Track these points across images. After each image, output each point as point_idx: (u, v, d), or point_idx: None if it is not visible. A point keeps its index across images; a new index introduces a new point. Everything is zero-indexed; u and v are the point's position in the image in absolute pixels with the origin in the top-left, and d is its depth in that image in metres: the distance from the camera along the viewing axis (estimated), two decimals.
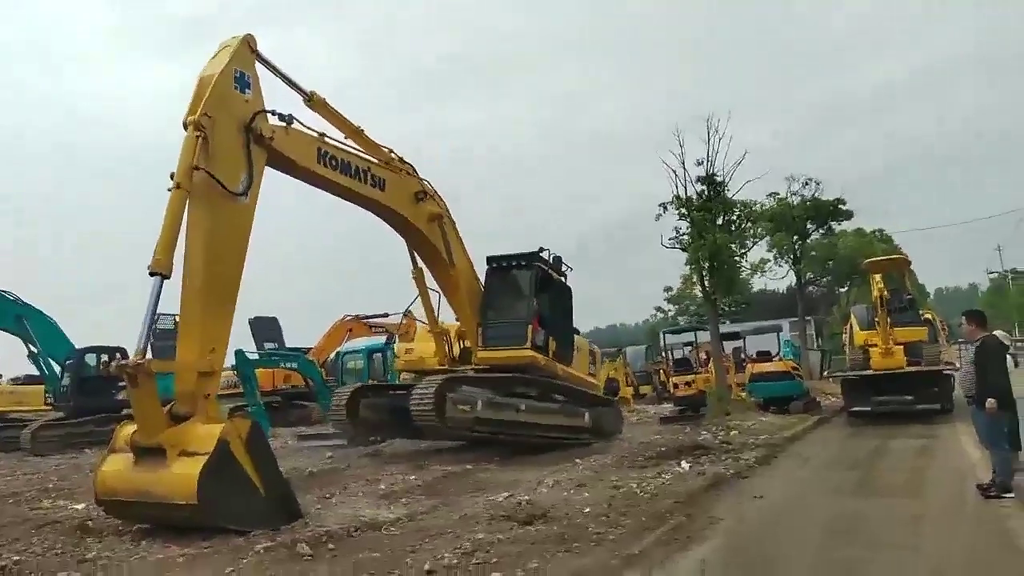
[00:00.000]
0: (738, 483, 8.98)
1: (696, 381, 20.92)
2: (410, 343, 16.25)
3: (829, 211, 31.70)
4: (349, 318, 27.08)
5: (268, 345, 25.77)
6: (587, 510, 7.10)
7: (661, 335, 33.20)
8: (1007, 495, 7.31)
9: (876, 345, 16.70)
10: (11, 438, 19.92)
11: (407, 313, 28.26)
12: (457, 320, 13.91)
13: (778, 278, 36.50)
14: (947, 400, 16.29)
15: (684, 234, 21.48)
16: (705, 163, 20.66)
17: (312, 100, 9.81)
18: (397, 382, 16.46)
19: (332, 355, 25.95)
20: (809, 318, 39.30)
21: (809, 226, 32.57)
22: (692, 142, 20.69)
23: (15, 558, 6.22)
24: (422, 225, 12.04)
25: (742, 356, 22.79)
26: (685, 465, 9.78)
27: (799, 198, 31.49)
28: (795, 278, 35.48)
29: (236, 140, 8.03)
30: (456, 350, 13.98)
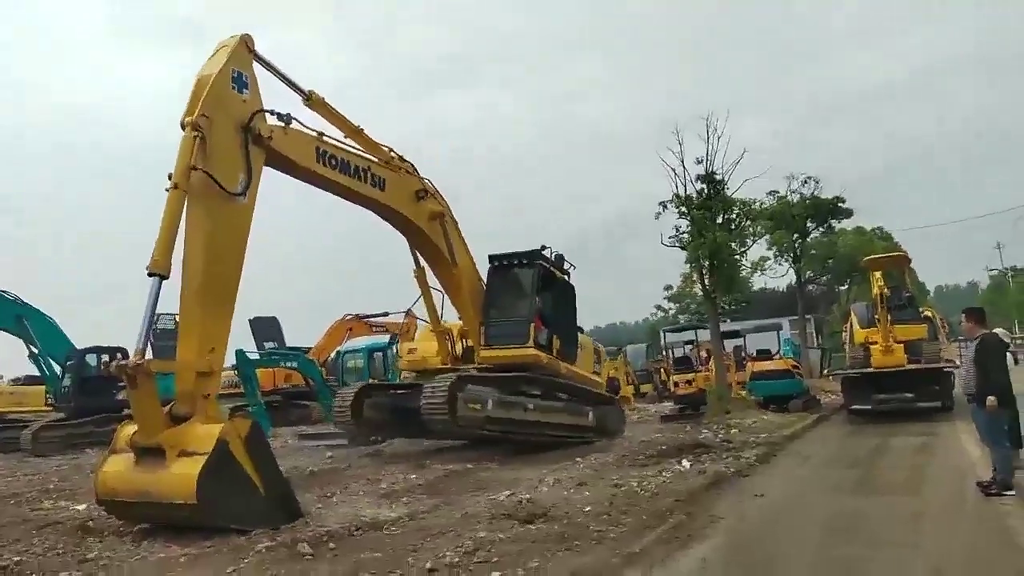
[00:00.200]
0: (739, 481, 8.98)
1: (696, 379, 20.92)
2: (411, 343, 16.25)
3: (829, 209, 31.71)
4: (349, 317, 27.12)
5: (268, 345, 25.81)
6: (588, 508, 7.10)
7: (661, 333, 33.25)
8: (1008, 493, 7.31)
9: (876, 343, 16.68)
10: (12, 439, 19.97)
11: (408, 312, 28.46)
12: (460, 319, 13.90)
13: (778, 276, 36.56)
14: (947, 398, 16.28)
15: (684, 233, 21.49)
16: (705, 162, 20.66)
17: (311, 99, 9.80)
18: (397, 381, 16.47)
19: (332, 354, 25.98)
20: (809, 316, 39.29)
21: (809, 224, 32.57)
22: (691, 141, 20.73)
23: (16, 558, 6.23)
24: (423, 224, 12.04)
25: (742, 354, 22.80)
26: (686, 463, 9.78)
27: (799, 196, 31.50)
28: (795, 276, 35.51)
29: (234, 140, 8.03)
30: (459, 349, 13.96)
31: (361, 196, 10.79)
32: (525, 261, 13.26)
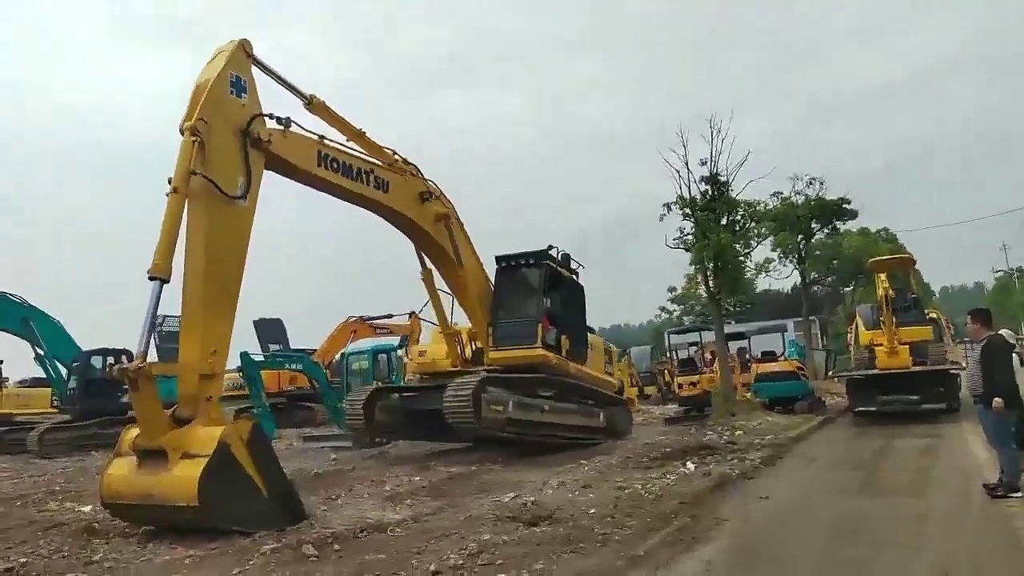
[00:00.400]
0: (743, 484, 8.96)
1: (701, 381, 20.88)
2: (421, 346, 16.18)
3: (833, 210, 31.60)
4: (353, 320, 27.14)
5: (273, 347, 25.89)
6: (592, 511, 7.09)
7: (666, 335, 33.24)
8: (1014, 495, 7.28)
9: (881, 344, 16.65)
10: (18, 440, 20.03)
11: (412, 314, 28.49)
12: (469, 321, 13.86)
13: (783, 278, 36.48)
14: (953, 399, 16.23)
15: (688, 234, 21.45)
16: (709, 163, 20.62)
17: (312, 103, 9.82)
18: (402, 383, 16.47)
19: (337, 356, 26.01)
20: (814, 318, 39.20)
21: (813, 226, 32.47)
22: (695, 142, 20.66)
23: (22, 560, 6.26)
24: (428, 226, 12.03)
25: (747, 356, 22.76)
26: (690, 466, 9.76)
27: (803, 197, 31.42)
28: (800, 278, 35.41)
29: (233, 144, 8.07)
30: (468, 352, 13.91)
31: (364, 199, 10.80)
32: (532, 261, 13.25)
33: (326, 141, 9.91)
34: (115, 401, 19.31)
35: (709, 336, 23.83)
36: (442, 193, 12.40)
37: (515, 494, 8.26)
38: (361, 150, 10.72)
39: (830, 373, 29.58)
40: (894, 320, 16.57)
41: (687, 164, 20.49)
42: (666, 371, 28.92)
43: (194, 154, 7.44)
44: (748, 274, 28.21)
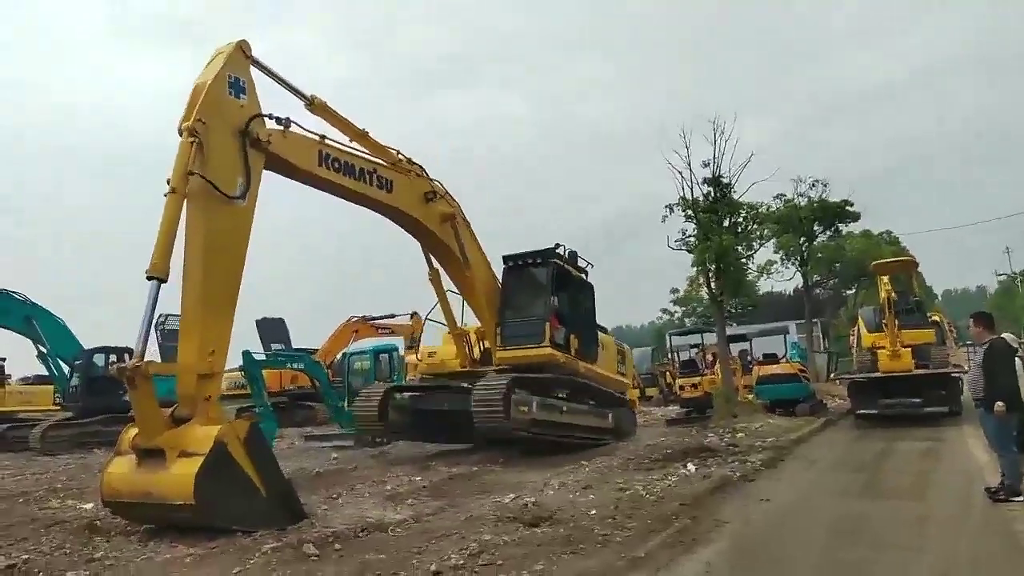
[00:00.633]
0: (744, 486, 8.96)
1: (702, 383, 20.86)
2: (428, 346, 16.13)
3: (836, 212, 31.55)
4: (355, 319, 27.18)
5: (275, 346, 25.89)
6: (593, 512, 7.10)
7: (667, 337, 33.15)
8: (1016, 499, 7.29)
9: (883, 347, 16.64)
10: (20, 438, 20.07)
11: (414, 315, 28.49)
12: (478, 321, 13.80)
13: (785, 280, 36.45)
14: (955, 403, 16.20)
15: (690, 236, 21.45)
16: (712, 165, 20.62)
17: (313, 104, 9.81)
18: (403, 383, 16.44)
19: (339, 356, 26.04)
20: (816, 320, 39.14)
21: (816, 228, 32.44)
22: (698, 143, 20.67)
23: (24, 557, 6.27)
24: (433, 226, 12.00)
25: (748, 358, 22.75)
26: (691, 467, 9.76)
27: (806, 199, 31.40)
28: (802, 280, 35.36)
29: (232, 144, 8.08)
30: (477, 352, 13.83)
31: (368, 199, 10.78)
32: (539, 260, 13.19)
33: (327, 141, 9.89)
34: (117, 399, 19.31)
35: (711, 338, 23.84)
36: (447, 192, 12.36)
37: (516, 495, 8.26)
38: (364, 150, 10.71)
39: (832, 376, 29.55)
40: (896, 323, 16.57)
41: (690, 165, 20.53)
42: (667, 373, 28.87)
43: (192, 154, 7.45)
44: (750, 276, 28.14)
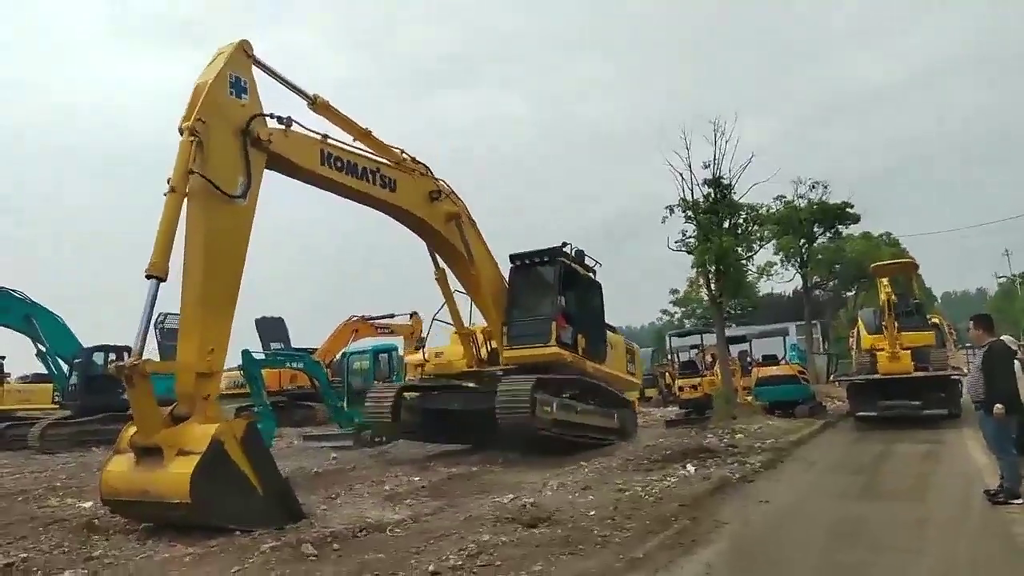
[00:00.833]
0: (743, 487, 8.96)
1: (702, 384, 20.84)
2: (428, 346, 16.09)
3: (836, 214, 31.56)
4: (355, 319, 27.17)
5: (275, 345, 25.89)
6: (592, 513, 7.09)
7: (667, 338, 33.17)
8: (1015, 501, 7.29)
9: (883, 349, 16.64)
10: (19, 436, 20.05)
11: (413, 314, 28.47)
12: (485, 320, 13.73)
13: (785, 281, 36.45)
14: (955, 405, 16.21)
15: (690, 237, 21.44)
16: (712, 166, 20.61)
17: (316, 103, 9.80)
18: (403, 383, 16.41)
19: (338, 356, 26.04)
20: (815, 322, 39.14)
21: (816, 229, 32.45)
22: (698, 143, 20.66)
23: (22, 555, 6.27)
24: (439, 225, 11.96)
25: (748, 359, 22.74)
26: (690, 468, 9.75)
27: (806, 201, 31.41)
28: (802, 281, 35.38)
29: (232, 144, 8.09)
30: (484, 352, 13.74)
31: (371, 198, 10.76)
32: (546, 259, 13.13)
33: (329, 140, 9.87)
34: (116, 397, 19.30)
35: (710, 339, 23.84)
36: (452, 192, 12.31)
37: (514, 495, 8.26)
38: (367, 149, 10.68)
39: (831, 377, 29.52)
40: (896, 325, 16.57)
41: (690, 166, 20.53)
42: (667, 374, 28.88)
43: (192, 154, 7.46)
44: (750, 278, 28.13)
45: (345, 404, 17.86)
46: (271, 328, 27.98)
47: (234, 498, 6.77)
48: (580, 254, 14.03)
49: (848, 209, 31.56)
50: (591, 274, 14.41)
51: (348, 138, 10.41)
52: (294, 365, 21.15)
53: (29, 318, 21.02)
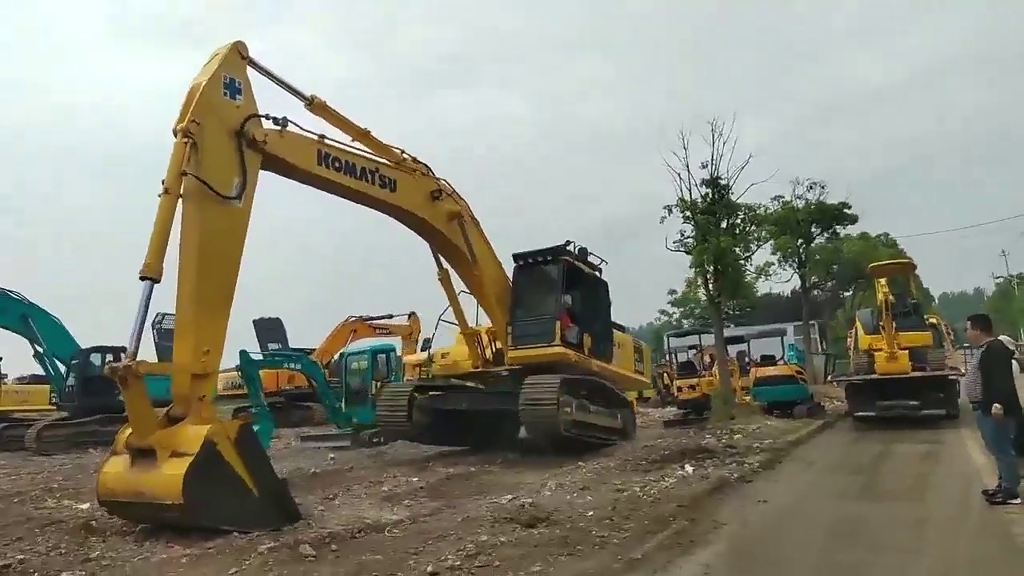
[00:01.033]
0: (742, 487, 8.95)
1: (700, 384, 20.85)
2: (434, 346, 16.04)
3: (834, 215, 31.62)
4: (353, 319, 27.17)
5: (272, 346, 25.86)
6: (590, 513, 7.09)
7: (665, 338, 33.18)
8: (1013, 501, 7.29)
9: (881, 349, 16.65)
10: (16, 437, 20.00)
11: (411, 314, 28.44)
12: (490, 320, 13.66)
13: (783, 281, 36.49)
14: (952, 406, 16.23)
15: (689, 237, 21.47)
16: (710, 166, 20.64)
17: (313, 104, 9.78)
18: (417, 382, 16.36)
19: (336, 356, 26.01)
20: (813, 322, 39.15)
21: (814, 229, 32.50)
22: (696, 144, 20.69)
23: (19, 557, 6.26)
24: (441, 225, 11.90)
25: (746, 360, 22.73)
26: (689, 469, 9.74)
27: (804, 201, 31.46)
28: (799, 281, 35.44)
29: (227, 145, 8.07)
30: (489, 353, 13.68)
31: (371, 198, 10.72)
32: (549, 258, 13.08)
33: (327, 140, 9.84)
34: (113, 398, 19.18)
35: (708, 339, 23.85)
36: (454, 191, 12.26)
37: (513, 496, 8.25)
38: (366, 149, 10.65)
39: (829, 377, 29.51)
40: (894, 325, 16.58)
41: (688, 167, 20.55)
42: (665, 374, 28.87)
43: (186, 155, 7.45)
44: (748, 278, 28.14)
45: (343, 405, 17.82)
46: (269, 329, 27.96)
47: (229, 499, 6.76)
48: (584, 252, 13.93)
49: (846, 210, 31.65)
50: (597, 272, 14.34)
51: (347, 139, 10.39)
52: (292, 366, 21.14)
53: (26, 319, 20.96)
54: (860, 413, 17.37)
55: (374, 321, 27.65)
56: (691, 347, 25.39)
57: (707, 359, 23.39)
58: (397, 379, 18.27)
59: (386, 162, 10.97)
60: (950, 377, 16.43)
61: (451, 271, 12.96)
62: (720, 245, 19.92)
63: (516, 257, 13.33)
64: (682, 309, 56.77)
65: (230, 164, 8.05)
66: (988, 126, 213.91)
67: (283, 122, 8.92)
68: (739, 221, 22.07)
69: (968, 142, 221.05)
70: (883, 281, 17.70)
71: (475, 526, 6.73)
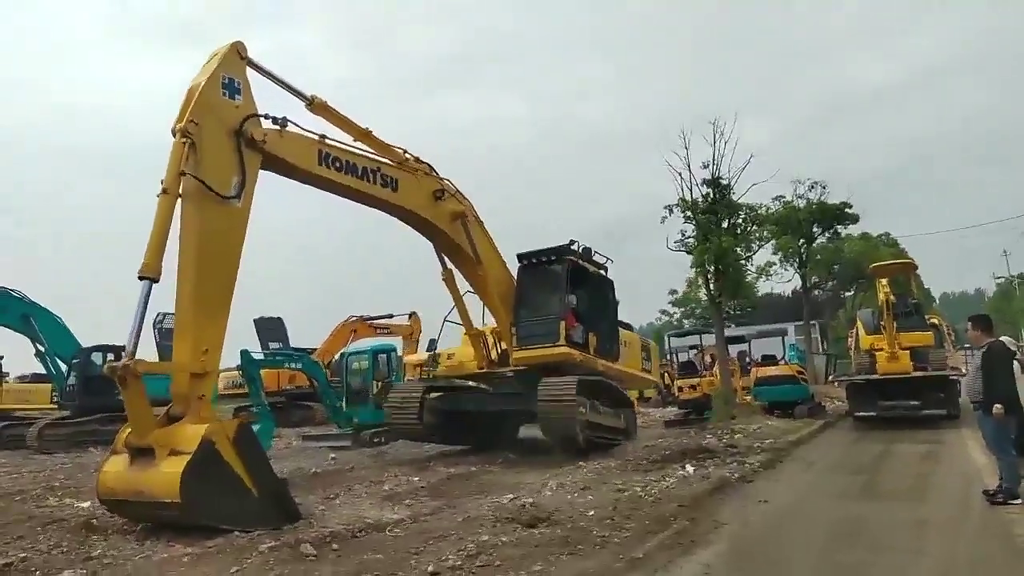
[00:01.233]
0: (742, 487, 8.96)
1: (701, 384, 20.85)
2: (430, 347, 16.03)
3: (835, 215, 31.60)
4: (354, 319, 27.17)
5: (273, 345, 25.84)
6: (591, 513, 7.09)
7: (666, 338, 33.18)
8: (1014, 501, 7.29)
9: (882, 349, 16.66)
10: (17, 436, 20.01)
11: (412, 314, 28.43)
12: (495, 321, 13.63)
13: (784, 281, 36.49)
14: (953, 406, 16.23)
15: (689, 237, 21.45)
16: (711, 166, 20.62)
17: (313, 104, 9.77)
18: (402, 383, 16.40)
19: (337, 356, 26.01)
20: (814, 322, 39.17)
21: (815, 229, 32.49)
22: (697, 144, 20.67)
23: (21, 555, 6.26)
24: (444, 225, 11.85)
25: (747, 360, 22.73)
26: (689, 469, 9.74)
27: (805, 201, 31.44)
28: (800, 281, 35.43)
29: (226, 145, 8.07)
30: (495, 353, 13.62)
31: (373, 198, 10.69)
32: (554, 257, 13.03)
33: (327, 140, 9.82)
34: (114, 398, 19.06)
35: (709, 339, 23.84)
36: (458, 191, 12.22)
37: (514, 495, 8.25)
38: (368, 149, 10.62)
39: (830, 377, 29.56)
40: (895, 325, 16.58)
41: (689, 167, 20.53)
42: (666, 374, 28.88)
43: (185, 155, 7.46)
44: (749, 278, 28.12)
45: (344, 404, 17.83)
46: (270, 328, 27.93)
47: (228, 498, 6.76)
48: (588, 251, 13.88)
49: (847, 209, 31.63)
50: (602, 271, 14.29)
51: (349, 139, 10.37)
52: (293, 365, 21.12)
53: (27, 318, 20.96)
54: (861, 413, 17.37)
55: (375, 321, 27.66)
56: (692, 347, 25.39)
57: (708, 359, 23.38)
58: (398, 379, 18.28)
59: (388, 162, 10.94)
60: (951, 377, 16.44)
61: (455, 271, 12.92)
62: (721, 245, 19.90)
63: (520, 257, 13.29)
64: (683, 309, 56.76)
65: (229, 164, 8.05)
66: (988, 126, 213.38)
67: (283, 122, 8.91)
68: (740, 221, 22.04)
69: (968, 142, 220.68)
70: (884, 281, 17.70)
71: (476, 526, 6.73)
